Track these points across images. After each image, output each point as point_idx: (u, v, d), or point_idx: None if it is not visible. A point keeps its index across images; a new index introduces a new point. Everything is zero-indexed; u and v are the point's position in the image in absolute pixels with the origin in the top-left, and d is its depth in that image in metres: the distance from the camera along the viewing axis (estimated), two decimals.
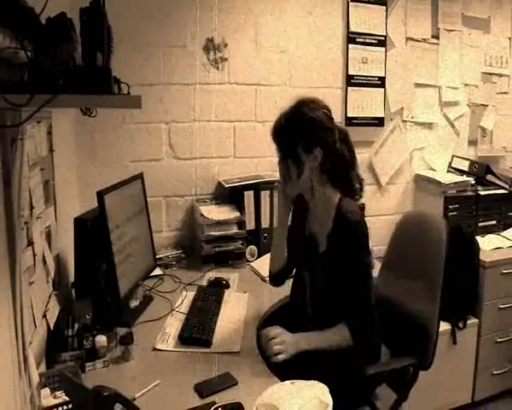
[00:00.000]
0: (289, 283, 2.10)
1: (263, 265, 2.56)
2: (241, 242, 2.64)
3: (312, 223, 1.90)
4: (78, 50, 1.19)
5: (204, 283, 2.39)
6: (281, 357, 1.66)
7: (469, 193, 3.18)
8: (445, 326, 2.80)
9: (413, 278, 2.06)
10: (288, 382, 1.39)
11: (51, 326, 1.68)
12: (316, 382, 1.38)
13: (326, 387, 1.35)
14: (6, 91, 1.00)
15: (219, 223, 2.59)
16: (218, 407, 1.42)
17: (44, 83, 1.04)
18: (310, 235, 1.90)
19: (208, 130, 2.86)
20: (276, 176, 2.73)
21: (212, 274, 2.48)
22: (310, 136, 1.74)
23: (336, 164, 1.78)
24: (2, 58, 1.15)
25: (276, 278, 2.08)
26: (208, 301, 2.12)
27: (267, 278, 2.40)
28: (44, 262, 1.69)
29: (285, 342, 1.69)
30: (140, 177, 2.31)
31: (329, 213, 1.78)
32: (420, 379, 1.99)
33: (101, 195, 1.89)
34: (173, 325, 1.96)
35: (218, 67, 2.85)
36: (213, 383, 1.57)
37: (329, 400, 1.30)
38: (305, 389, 1.34)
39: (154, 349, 1.79)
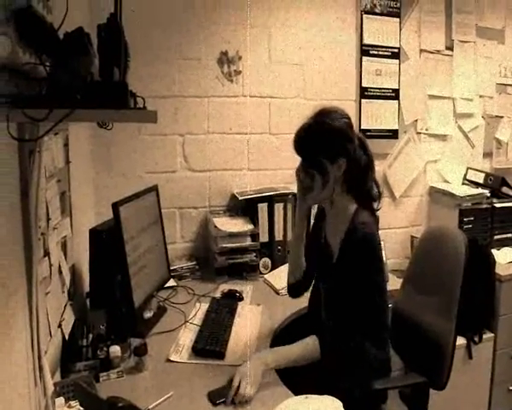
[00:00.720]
0: (306, 294, 2.09)
1: (276, 277, 2.57)
2: (254, 254, 2.64)
3: (328, 232, 1.90)
4: (95, 65, 1.21)
5: (217, 295, 2.39)
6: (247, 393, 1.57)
7: (485, 205, 3.14)
8: (460, 341, 2.75)
9: (431, 293, 2.04)
10: (302, 396, 1.39)
11: (66, 336, 1.69)
12: (329, 397, 1.37)
13: (339, 402, 1.35)
14: (25, 106, 1.02)
15: (233, 235, 2.59)
16: None
17: (62, 97, 1.06)
18: (326, 244, 1.89)
19: (222, 142, 2.87)
20: (290, 188, 2.77)
21: (225, 286, 2.48)
22: (334, 146, 1.74)
23: (356, 172, 1.77)
24: (21, 73, 1.17)
25: (294, 290, 2.06)
26: (222, 314, 2.12)
27: (281, 291, 2.41)
28: (60, 272, 1.71)
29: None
30: (155, 189, 2.33)
31: (344, 222, 1.76)
32: (435, 394, 1.97)
33: (116, 206, 1.90)
34: (187, 337, 1.96)
35: (232, 80, 2.88)
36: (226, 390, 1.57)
37: None
38: (319, 404, 1.34)
39: (168, 361, 1.80)
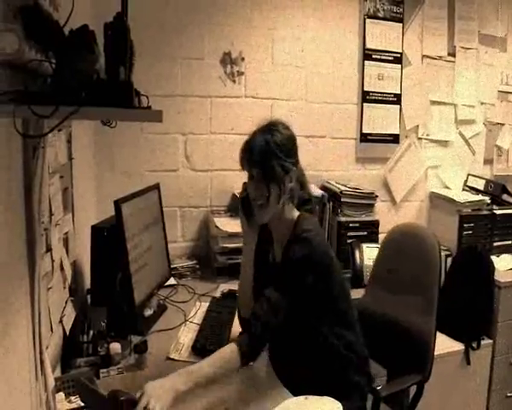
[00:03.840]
0: None
1: None
2: None
3: (276, 250, 1.82)
4: (100, 63, 1.21)
5: (218, 294, 2.38)
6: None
7: (485, 212, 3.16)
8: (458, 346, 2.77)
9: (407, 292, 2.05)
10: (301, 397, 1.39)
11: (67, 332, 1.69)
12: (329, 398, 1.37)
13: (339, 403, 1.35)
14: (31, 102, 1.02)
15: (234, 235, 2.59)
16: None
17: (69, 95, 1.06)
18: (274, 264, 1.83)
19: (224, 142, 2.88)
20: None
21: (225, 286, 2.47)
22: (289, 155, 1.71)
23: (300, 180, 1.77)
24: (28, 69, 1.18)
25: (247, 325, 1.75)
26: (222, 313, 2.12)
27: None
28: (62, 268, 1.71)
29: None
30: (156, 187, 2.33)
31: (287, 231, 1.72)
32: (432, 399, 1.99)
33: (118, 204, 1.90)
34: (187, 336, 1.96)
35: (234, 81, 2.89)
36: None
37: None
38: (319, 405, 1.34)
39: (168, 359, 1.80)
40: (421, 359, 1.95)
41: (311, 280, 1.61)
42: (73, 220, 1.94)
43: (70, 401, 1.47)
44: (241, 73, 2.89)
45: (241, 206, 1.83)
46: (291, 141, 1.75)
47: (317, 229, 1.77)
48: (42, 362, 1.38)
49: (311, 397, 1.36)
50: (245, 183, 1.82)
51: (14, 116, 1.01)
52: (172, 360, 1.79)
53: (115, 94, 1.12)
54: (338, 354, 1.72)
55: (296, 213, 1.76)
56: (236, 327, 2.03)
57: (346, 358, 1.73)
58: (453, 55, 3.37)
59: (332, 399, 1.36)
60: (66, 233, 1.82)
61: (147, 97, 1.27)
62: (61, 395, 1.48)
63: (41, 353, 1.38)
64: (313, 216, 1.80)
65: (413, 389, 2.00)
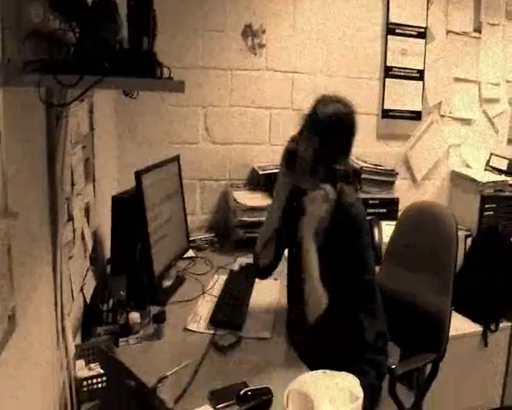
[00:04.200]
0: None
1: None
2: None
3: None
4: (122, 33, 1.20)
5: (236, 267, 2.39)
6: None
7: (507, 193, 3.10)
8: (476, 328, 2.75)
9: (423, 270, 2.03)
10: (319, 371, 1.39)
11: (88, 300, 1.71)
12: (347, 373, 1.37)
13: (357, 379, 1.35)
14: (56, 71, 1.02)
15: (252, 209, 2.59)
16: (247, 390, 1.43)
17: (93, 64, 1.06)
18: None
19: (244, 115, 2.87)
20: None
21: (243, 259, 2.48)
22: (349, 133, 1.75)
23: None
24: (52, 39, 1.17)
25: (266, 272, 2.02)
26: (239, 286, 2.13)
27: None
28: (83, 238, 1.72)
29: None
30: (176, 159, 2.33)
31: (325, 208, 1.72)
32: (448, 380, 1.98)
33: (138, 175, 1.91)
34: (205, 307, 1.98)
35: (255, 53, 2.85)
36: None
37: (360, 392, 1.30)
38: (337, 380, 1.34)
39: (186, 329, 1.82)
40: (436, 337, 1.94)
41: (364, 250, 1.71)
42: (94, 190, 1.95)
43: (90, 369, 1.48)
44: (262, 46, 2.85)
45: (286, 157, 1.79)
46: (352, 120, 1.74)
47: (359, 203, 1.79)
48: (63, 329, 1.41)
49: (329, 371, 1.36)
50: (294, 136, 1.79)
51: (39, 85, 1.01)
52: (190, 330, 1.81)
53: (138, 64, 1.12)
54: (361, 328, 1.75)
55: (334, 188, 1.74)
56: (254, 300, 2.05)
57: (368, 332, 1.76)
58: (479, 30, 3.28)
59: (350, 374, 1.36)
60: (87, 203, 1.83)
61: (168, 68, 1.26)
62: (82, 362, 1.50)
63: (62, 319, 1.40)
64: (353, 189, 1.83)
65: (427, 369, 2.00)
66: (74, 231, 1.59)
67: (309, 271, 1.69)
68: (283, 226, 1.88)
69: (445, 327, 1.94)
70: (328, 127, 1.68)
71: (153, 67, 1.14)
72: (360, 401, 1.25)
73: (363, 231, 1.74)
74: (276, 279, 2.28)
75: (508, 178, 3.14)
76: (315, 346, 1.72)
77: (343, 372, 1.37)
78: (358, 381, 1.34)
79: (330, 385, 1.30)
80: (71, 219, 1.55)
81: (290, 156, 1.76)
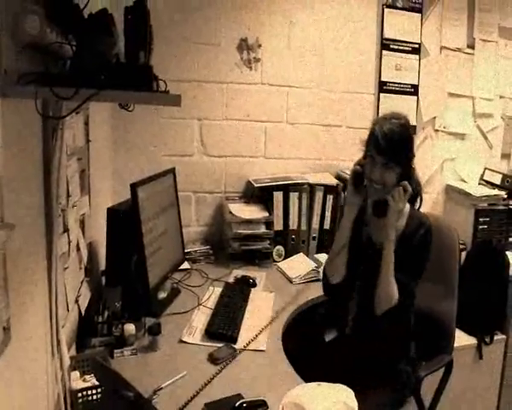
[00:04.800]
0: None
1: (290, 266, 2.58)
2: (268, 242, 2.64)
3: (375, 232, 1.94)
4: (119, 47, 1.22)
5: (231, 280, 2.39)
6: None
7: (501, 207, 3.11)
8: (471, 340, 2.76)
9: (431, 280, 2.07)
10: (314, 383, 1.39)
11: (83, 311, 1.71)
12: (341, 385, 1.37)
13: (351, 391, 1.35)
14: (52, 84, 1.03)
15: (247, 222, 2.60)
16: (242, 402, 1.42)
17: (89, 78, 1.07)
18: (369, 243, 1.95)
19: (239, 129, 2.88)
20: (306, 178, 2.78)
21: (238, 272, 2.49)
22: (413, 148, 1.88)
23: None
24: (49, 51, 1.19)
25: (334, 290, 2.02)
26: (235, 299, 2.13)
27: (294, 280, 2.42)
28: (78, 249, 1.73)
29: None
30: (172, 171, 2.34)
31: (400, 220, 1.85)
32: (444, 392, 2.02)
33: (134, 187, 1.91)
34: (200, 319, 1.97)
35: (251, 67, 2.87)
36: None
37: (355, 404, 1.30)
38: (331, 392, 1.34)
39: (181, 341, 1.81)
40: (447, 339, 2.07)
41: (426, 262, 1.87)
42: (90, 202, 1.95)
43: (84, 380, 1.48)
44: (257, 60, 2.87)
45: (353, 179, 1.92)
46: (412, 134, 1.89)
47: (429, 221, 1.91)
48: (58, 340, 1.40)
49: (323, 384, 1.37)
50: (359, 160, 1.93)
51: (35, 97, 1.02)
52: (185, 343, 1.81)
53: (135, 77, 1.14)
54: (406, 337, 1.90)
55: (407, 205, 1.88)
56: (249, 312, 2.05)
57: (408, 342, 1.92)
58: (472, 47, 3.31)
59: (345, 386, 1.36)
60: (83, 215, 1.84)
61: (165, 82, 1.27)
62: (76, 373, 1.50)
63: (57, 331, 1.40)
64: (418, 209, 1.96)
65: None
66: (70, 242, 1.59)
67: (386, 266, 1.79)
68: (355, 240, 1.97)
69: (451, 330, 2.07)
70: (397, 146, 1.78)
71: (149, 81, 1.16)
72: None
73: (430, 245, 1.86)
74: (271, 292, 2.29)
75: (501, 192, 3.16)
76: (377, 337, 1.83)
77: (338, 384, 1.37)
78: (353, 393, 1.34)
79: (325, 397, 1.31)
80: (66, 230, 1.56)
81: (357, 177, 1.89)
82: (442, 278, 2.11)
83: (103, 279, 2.05)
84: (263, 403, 1.43)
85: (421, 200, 1.95)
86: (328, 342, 1.97)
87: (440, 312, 2.08)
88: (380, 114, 1.91)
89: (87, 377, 1.49)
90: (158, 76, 1.27)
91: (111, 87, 1.07)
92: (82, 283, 1.75)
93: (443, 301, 2.07)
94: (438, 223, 2.19)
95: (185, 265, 2.49)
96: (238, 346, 1.79)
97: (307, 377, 1.58)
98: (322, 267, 2.27)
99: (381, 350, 1.82)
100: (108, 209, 2.01)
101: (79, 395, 1.42)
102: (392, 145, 1.77)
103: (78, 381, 1.48)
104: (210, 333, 1.85)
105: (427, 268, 1.89)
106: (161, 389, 1.50)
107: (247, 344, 1.81)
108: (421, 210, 1.97)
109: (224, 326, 1.88)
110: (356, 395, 1.32)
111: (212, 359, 1.69)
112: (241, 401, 1.43)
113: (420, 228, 1.83)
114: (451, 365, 2.07)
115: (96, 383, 1.43)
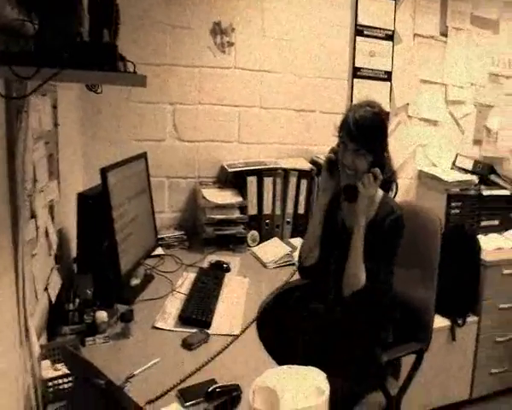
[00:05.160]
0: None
1: (264, 251, 2.58)
2: (242, 226, 2.62)
3: (348, 217, 1.94)
4: (85, 26, 1.18)
5: (205, 265, 2.38)
6: None
7: (472, 192, 3.17)
8: (444, 322, 2.80)
9: (410, 266, 2.09)
10: (285, 366, 1.38)
11: (53, 299, 1.67)
12: (313, 368, 1.36)
13: (323, 373, 1.34)
14: (13, 63, 0.99)
15: (221, 207, 2.58)
16: (216, 387, 1.41)
17: (51, 56, 1.04)
18: (343, 227, 1.96)
19: (213, 113, 2.85)
20: (279, 163, 2.76)
21: (213, 257, 2.47)
22: (386, 136, 1.89)
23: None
24: (10, 29, 1.14)
25: (309, 271, 2.05)
26: (209, 284, 2.11)
27: (268, 264, 2.42)
28: (47, 235, 1.68)
29: None
30: (144, 156, 2.29)
31: (372, 207, 1.86)
32: (418, 373, 2.02)
33: (104, 172, 1.87)
34: (173, 305, 1.95)
35: (224, 51, 2.84)
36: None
37: (326, 386, 1.29)
38: (302, 375, 1.33)
39: (154, 328, 1.79)
40: (422, 328, 2.04)
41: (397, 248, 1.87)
42: (59, 188, 1.90)
43: (56, 369, 1.45)
44: (230, 44, 2.84)
45: (327, 165, 1.94)
46: (387, 121, 1.91)
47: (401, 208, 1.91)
48: (26, 329, 1.37)
49: (294, 367, 1.36)
50: (333, 147, 1.93)
51: None
52: (158, 329, 1.78)
53: (98, 56, 1.10)
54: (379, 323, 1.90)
55: (380, 192, 1.90)
56: (223, 297, 2.05)
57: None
58: (445, 35, 3.34)
59: (316, 369, 1.35)
60: (52, 201, 1.79)
61: (133, 64, 1.24)
62: (47, 362, 1.47)
63: (25, 319, 1.36)
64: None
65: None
66: (37, 228, 1.55)
67: (355, 250, 1.81)
68: (328, 225, 1.99)
69: (430, 319, 2.05)
70: (368, 133, 1.79)
71: (114, 60, 1.12)
72: (326, 395, 1.24)
73: (401, 232, 1.86)
74: (245, 277, 2.28)
75: (473, 177, 3.22)
76: (348, 319, 1.84)
77: (309, 367, 1.36)
78: (325, 375, 1.33)
79: (296, 380, 1.30)
80: (33, 216, 1.51)
81: (331, 164, 1.92)
82: (420, 264, 2.11)
83: (75, 266, 2.00)
84: (236, 387, 1.42)
85: (396, 188, 1.97)
86: (303, 325, 1.95)
87: (418, 299, 2.07)
88: (354, 101, 1.89)
89: (58, 365, 1.46)
90: (126, 57, 1.24)
91: (74, 66, 1.03)
92: (52, 270, 1.71)
93: (421, 290, 2.07)
94: (420, 210, 2.22)
95: (159, 251, 2.46)
96: (212, 331, 1.77)
97: (282, 361, 1.57)
98: (296, 251, 2.29)
99: (352, 333, 1.83)
100: (78, 194, 1.97)
101: (50, 384, 1.39)
102: (363, 132, 1.78)
103: (49, 370, 1.45)
104: (183, 319, 1.83)
105: (400, 254, 1.89)
106: (134, 376, 1.48)
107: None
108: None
109: (197, 312, 1.86)
110: (328, 378, 1.31)
111: (186, 344, 1.67)
112: (214, 386, 1.41)
113: (391, 214, 1.83)
114: (421, 355, 2.03)
115: (67, 371, 1.40)
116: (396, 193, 1.99)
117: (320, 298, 1.99)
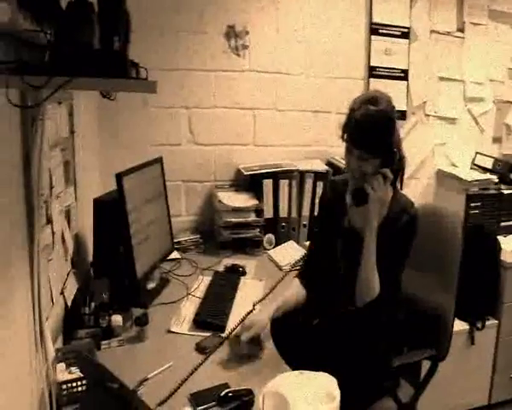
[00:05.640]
0: None
1: (280, 254, 2.58)
2: (258, 230, 2.64)
3: (357, 219, 1.82)
4: (95, 34, 1.19)
5: (221, 268, 2.39)
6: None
7: (492, 191, 3.09)
8: (463, 326, 2.76)
9: (429, 270, 2.05)
10: (296, 372, 1.38)
11: (69, 303, 1.70)
12: (324, 373, 1.36)
13: (334, 379, 1.33)
14: (24, 73, 1.01)
15: (237, 210, 2.59)
16: (228, 392, 1.42)
17: (62, 65, 1.05)
18: (350, 230, 1.84)
19: (228, 117, 2.86)
20: (295, 165, 2.76)
21: (229, 260, 2.48)
22: (395, 133, 1.74)
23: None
24: (22, 39, 1.16)
25: (314, 282, 1.98)
26: (224, 287, 2.13)
27: (284, 267, 2.42)
28: (63, 241, 1.71)
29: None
30: (159, 161, 2.32)
31: (385, 204, 1.76)
32: (436, 378, 1.98)
33: (119, 177, 1.90)
34: (188, 309, 1.97)
35: (239, 55, 2.84)
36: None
37: (337, 392, 1.29)
38: (313, 380, 1.33)
39: (169, 331, 1.81)
40: (438, 334, 1.98)
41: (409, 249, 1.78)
42: (76, 193, 1.94)
43: (70, 372, 1.47)
44: (245, 47, 2.84)
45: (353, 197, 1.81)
46: (394, 117, 1.73)
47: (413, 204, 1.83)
48: (42, 333, 1.39)
49: (305, 372, 1.36)
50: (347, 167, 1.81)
51: (7, 87, 1.00)
52: (173, 332, 1.80)
53: (109, 64, 1.11)
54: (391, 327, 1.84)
55: (390, 189, 1.78)
56: (238, 301, 2.05)
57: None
58: (462, 30, 3.28)
59: (327, 374, 1.35)
60: (68, 206, 1.82)
61: (145, 69, 1.25)
62: (62, 365, 1.49)
63: (41, 324, 1.39)
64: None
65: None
66: (54, 233, 1.58)
67: (368, 255, 1.72)
68: (333, 232, 1.91)
69: (447, 325, 1.98)
70: (372, 138, 1.67)
71: (123, 67, 1.13)
72: (337, 401, 1.24)
73: (416, 231, 1.78)
74: (260, 280, 2.28)
75: (493, 177, 3.16)
76: (356, 329, 1.77)
77: (320, 373, 1.36)
78: (336, 381, 1.33)
79: (306, 385, 1.30)
80: (49, 221, 1.54)
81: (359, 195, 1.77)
82: (440, 268, 2.04)
83: (92, 270, 2.04)
84: (249, 392, 1.42)
85: (402, 174, 1.83)
86: (315, 329, 1.93)
87: (436, 305, 2.00)
88: (361, 95, 1.75)
89: (73, 369, 1.48)
90: (138, 63, 1.25)
91: (84, 75, 1.04)
92: (68, 274, 1.74)
93: (439, 295, 2.00)
94: (439, 211, 2.17)
95: (175, 254, 2.48)
96: (226, 335, 1.78)
97: (296, 364, 1.57)
98: None
99: (364, 339, 1.78)
100: (95, 200, 2.00)
101: (64, 386, 1.41)
102: (366, 138, 1.67)
103: (63, 373, 1.47)
104: (198, 322, 1.84)
105: (417, 257, 1.84)
106: (147, 379, 1.50)
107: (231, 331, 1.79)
108: (413, 195, 1.91)
109: (212, 315, 1.87)
110: (340, 384, 1.31)
111: (199, 348, 1.68)
112: (226, 390, 1.42)
113: (403, 213, 1.75)
114: (436, 362, 1.98)
115: (81, 375, 1.43)
116: (402, 182, 1.84)
117: (328, 311, 1.92)
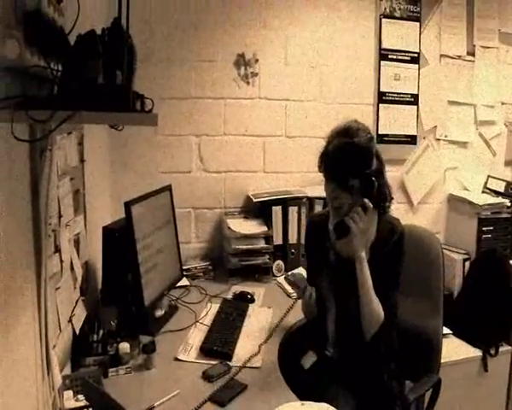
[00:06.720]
0: None
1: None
2: (268, 256, 2.64)
3: (343, 247, 1.79)
4: (100, 69, 1.22)
5: (229, 296, 2.39)
6: None
7: (505, 215, 3.07)
8: (475, 352, 2.70)
9: (414, 295, 2.04)
10: (298, 402, 1.38)
11: (77, 331, 1.71)
12: (325, 404, 1.35)
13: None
14: (29, 108, 1.04)
15: (247, 237, 2.60)
16: None
17: (65, 100, 1.08)
18: (339, 262, 1.82)
19: (238, 144, 2.89)
20: (305, 192, 2.77)
21: (237, 287, 2.48)
22: (372, 163, 1.73)
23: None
24: (29, 75, 1.20)
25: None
26: (232, 315, 2.12)
27: (293, 295, 2.40)
28: (72, 269, 1.73)
29: None
30: (168, 188, 2.34)
31: (371, 229, 1.76)
32: (448, 406, 1.96)
33: (128, 205, 1.93)
34: (196, 337, 1.97)
35: (248, 82, 2.89)
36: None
37: None
38: None
39: (176, 359, 1.81)
40: (435, 359, 1.99)
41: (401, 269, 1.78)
42: (85, 222, 1.96)
43: (77, 400, 1.48)
44: (254, 75, 2.88)
45: (335, 231, 1.78)
46: (371, 144, 1.74)
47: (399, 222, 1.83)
48: (48, 361, 1.40)
49: (307, 403, 1.35)
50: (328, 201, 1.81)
51: (12, 121, 1.03)
52: (180, 360, 1.80)
53: (112, 98, 1.13)
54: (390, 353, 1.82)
55: (375, 213, 1.79)
56: (246, 328, 2.04)
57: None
58: (472, 54, 3.30)
59: (328, 405, 1.34)
60: (78, 234, 1.84)
61: (152, 101, 1.27)
62: (70, 393, 1.49)
63: (48, 351, 1.40)
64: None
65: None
66: (62, 262, 1.60)
67: (363, 283, 1.69)
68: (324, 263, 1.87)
69: (439, 348, 2.00)
70: (347, 171, 1.68)
71: (126, 101, 1.16)
72: None
73: (404, 248, 1.77)
74: (269, 307, 2.27)
75: (505, 200, 3.13)
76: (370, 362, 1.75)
77: (322, 403, 1.35)
78: None
79: None
80: (58, 250, 1.56)
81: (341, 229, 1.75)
82: (425, 293, 2.05)
83: (101, 298, 2.05)
84: None
85: (390, 200, 1.82)
86: (327, 359, 1.90)
87: (427, 330, 2.02)
88: (337, 127, 1.76)
89: (80, 396, 1.48)
90: (143, 95, 1.28)
91: (87, 108, 1.07)
92: (77, 302, 1.76)
93: (429, 320, 2.01)
94: (419, 233, 2.15)
95: (184, 281, 2.49)
96: (233, 363, 1.78)
97: (303, 392, 1.56)
98: None
99: (365, 369, 1.75)
100: (103, 228, 2.02)
101: None
102: (341, 172, 1.68)
103: (70, 401, 1.47)
104: (205, 350, 1.84)
105: (410, 283, 1.85)
106: (153, 408, 1.50)
107: (244, 362, 1.79)
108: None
109: (219, 343, 1.87)
110: None
111: (206, 376, 1.68)
112: None
113: (393, 233, 1.75)
114: (440, 384, 1.96)
115: (87, 403, 1.43)
116: (389, 207, 1.83)
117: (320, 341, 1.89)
